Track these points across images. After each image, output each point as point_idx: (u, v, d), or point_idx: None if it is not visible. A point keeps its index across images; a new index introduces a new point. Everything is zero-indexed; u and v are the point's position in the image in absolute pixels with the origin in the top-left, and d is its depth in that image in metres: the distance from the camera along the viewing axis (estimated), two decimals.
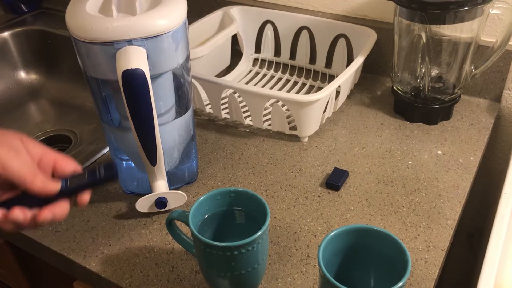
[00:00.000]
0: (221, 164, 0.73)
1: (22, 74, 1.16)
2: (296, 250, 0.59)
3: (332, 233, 0.47)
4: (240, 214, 0.55)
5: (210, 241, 0.47)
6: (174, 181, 0.68)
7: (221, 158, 0.74)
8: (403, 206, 0.65)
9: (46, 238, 0.62)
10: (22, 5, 1.22)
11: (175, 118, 0.62)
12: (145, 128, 0.55)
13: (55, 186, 0.46)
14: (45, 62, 1.16)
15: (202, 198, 0.52)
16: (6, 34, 1.13)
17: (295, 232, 0.61)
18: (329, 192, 0.67)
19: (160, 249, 0.60)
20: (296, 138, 0.77)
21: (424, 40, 0.73)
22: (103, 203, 0.67)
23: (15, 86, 1.14)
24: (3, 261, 0.76)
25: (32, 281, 0.81)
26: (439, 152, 0.74)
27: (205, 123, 0.83)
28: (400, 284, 0.42)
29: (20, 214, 0.45)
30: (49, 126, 1.05)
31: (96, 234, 0.62)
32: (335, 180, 0.67)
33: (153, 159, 0.59)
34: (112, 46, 0.53)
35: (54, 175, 0.48)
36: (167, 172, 0.63)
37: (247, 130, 0.80)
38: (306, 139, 0.77)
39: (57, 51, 1.14)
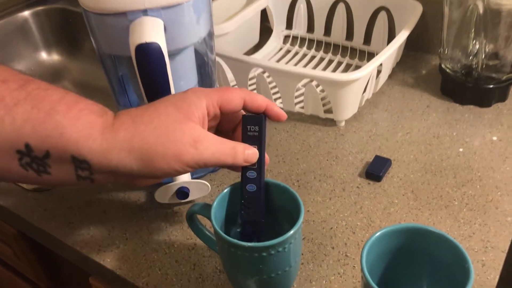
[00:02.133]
0: None
1: (44, 55, 1.12)
2: (333, 248, 0.53)
3: (378, 234, 0.41)
4: (270, 208, 0.48)
5: (235, 241, 0.41)
6: (197, 169, 0.62)
7: None
8: (455, 200, 0.57)
9: (58, 230, 0.57)
10: None
11: None
12: None
13: (254, 151, 0.43)
14: (67, 42, 1.12)
15: (226, 190, 0.46)
16: (26, 13, 1.09)
17: (331, 228, 0.55)
18: (369, 183, 0.60)
19: (180, 244, 0.54)
20: (332, 123, 0.70)
21: (481, 11, 0.64)
22: (121, 192, 0.61)
23: (37, 67, 1.11)
24: (19, 252, 0.73)
25: (50, 273, 0.77)
26: (494, 138, 0.65)
27: None
28: None
29: None
30: None
31: (112, 226, 0.57)
32: (376, 170, 0.60)
33: None
34: (125, 18, 0.47)
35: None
36: None
37: None
38: (343, 124, 0.70)
39: (79, 30, 1.09)
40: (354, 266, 0.51)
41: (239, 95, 0.43)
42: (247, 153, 0.42)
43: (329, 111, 0.70)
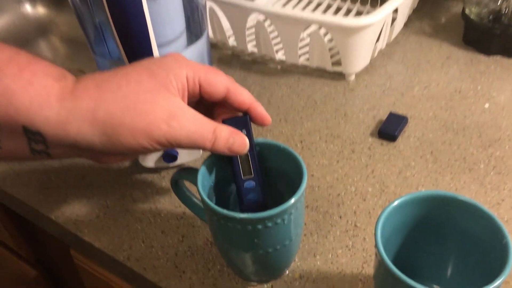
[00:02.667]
0: None
1: (28, 8, 1.04)
2: (340, 218, 0.46)
3: (395, 203, 0.34)
4: (269, 172, 0.42)
5: (225, 211, 0.35)
6: None
7: None
8: (480, 162, 0.50)
9: (32, 197, 0.51)
10: None
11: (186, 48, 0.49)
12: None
13: (242, 141, 0.36)
14: None
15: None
16: None
17: (339, 195, 0.48)
18: (382, 144, 0.53)
19: (168, 213, 0.48)
20: (340, 76, 0.63)
21: None
22: None
23: (21, 21, 1.03)
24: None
25: (32, 243, 0.72)
26: None
27: (228, 59, 0.69)
28: (498, 282, 0.29)
29: None
30: (58, 65, 0.94)
31: (91, 193, 0.51)
32: (390, 129, 0.54)
33: None
34: None
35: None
36: None
37: (279, 67, 0.66)
38: (353, 77, 0.63)
39: None
40: (364, 238, 0.44)
41: (223, 82, 0.36)
42: (232, 142, 0.35)
43: (337, 63, 0.62)
